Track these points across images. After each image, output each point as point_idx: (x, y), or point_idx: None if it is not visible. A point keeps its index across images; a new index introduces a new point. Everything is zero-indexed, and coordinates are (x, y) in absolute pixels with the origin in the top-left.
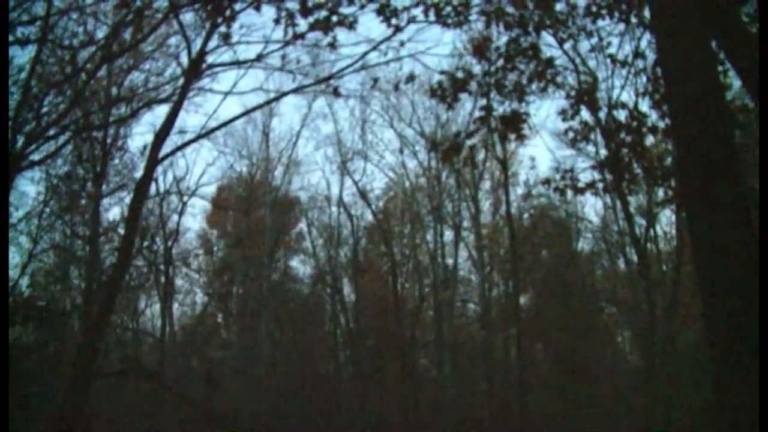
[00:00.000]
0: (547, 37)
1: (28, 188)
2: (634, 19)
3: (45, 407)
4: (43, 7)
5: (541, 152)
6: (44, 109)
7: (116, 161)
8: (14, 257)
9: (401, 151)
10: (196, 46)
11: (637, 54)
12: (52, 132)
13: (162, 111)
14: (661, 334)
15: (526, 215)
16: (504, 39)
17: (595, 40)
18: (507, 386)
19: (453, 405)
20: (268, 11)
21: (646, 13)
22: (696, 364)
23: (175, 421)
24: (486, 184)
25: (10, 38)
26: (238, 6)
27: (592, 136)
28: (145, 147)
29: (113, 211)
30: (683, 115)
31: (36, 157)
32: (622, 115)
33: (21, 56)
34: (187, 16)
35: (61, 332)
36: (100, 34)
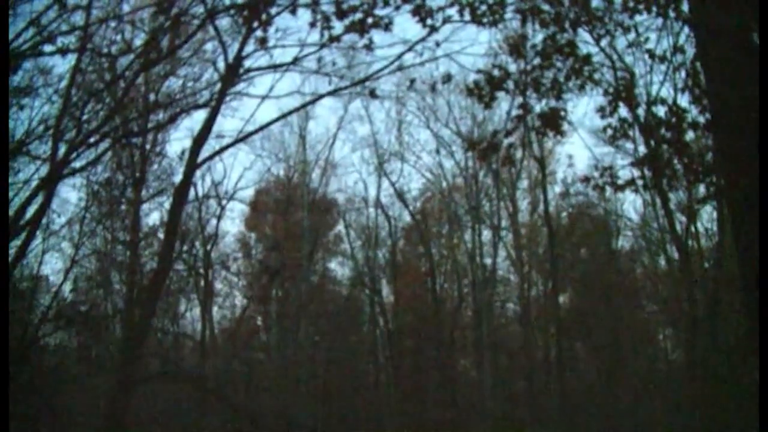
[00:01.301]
0: (583, 34)
1: (70, 195)
2: (672, 14)
3: (88, 411)
4: (82, 17)
5: (578, 150)
6: (85, 117)
7: (155, 167)
8: (57, 263)
9: (438, 152)
10: (233, 50)
11: (676, 49)
12: (92, 139)
13: (200, 116)
14: (703, 332)
15: (564, 214)
16: (540, 37)
17: (632, 35)
18: (547, 386)
19: (493, 405)
20: (304, 15)
21: (685, 7)
22: (738, 361)
23: (217, 424)
24: (524, 183)
25: (51, 48)
26: (273, 10)
27: (631, 133)
28: (183, 152)
29: (153, 216)
30: (724, 109)
31: (77, 164)
32: (661, 111)
33: (61, 65)
34: (224, 22)
35: (103, 336)
36: (138, 41)
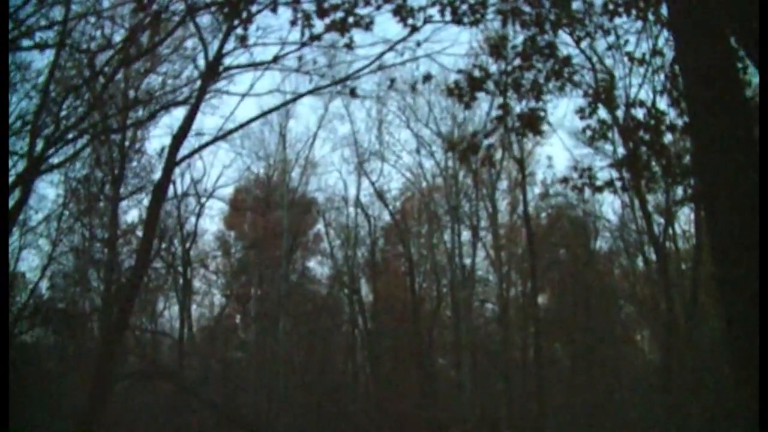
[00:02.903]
0: (564, 36)
1: (48, 191)
2: (651, 17)
3: (65, 409)
4: (61, 12)
5: (558, 151)
6: (63, 113)
7: (134, 164)
8: (34, 260)
9: (418, 152)
10: (213, 48)
11: (655, 52)
12: (70, 135)
13: (179, 113)
14: (680, 333)
15: (543, 215)
16: (521, 38)
17: (612, 38)
18: (525, 386)
19: (471, 405)
20: (285, 13)
21: (664, 10)
22: (715, 362)
23: (195, 422)
24: (503, 184)
25: (29, 43)
26: (254, 8)
27: (610, 135)
28: (162, 149)
29: (131, 214)
30: (702, 112)
31: (55, 160)
32: (640, 113)
33: (40, 60)
34: (204, 19)
35: (81, 334)
36: (118, 37)
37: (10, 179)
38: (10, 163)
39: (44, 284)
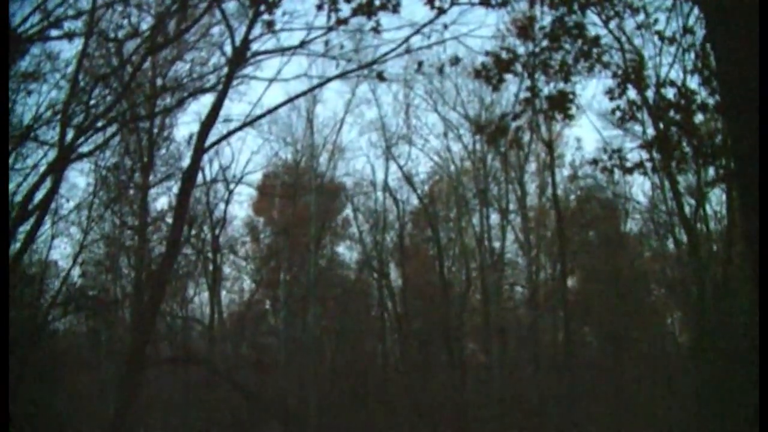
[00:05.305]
0: (592, 16)
1: (78, 180)
2: None
3: (98, 394)
4: (88, 2)
5: (586, 133)
6: (92, 102)
7: (163, 151)
8: (66, 248)
9: (446, 135)
10: (240, 34)
11: (686, 30)
12: (100, 124)
13: (207, 100)
14: (711, 316)
15: (572, 197)
16: (548, 19)
17: (641, 17)
18: (554, 369)
19: (500, 388)
20: None
21: None
22: (747, 345)
23: (226, 408)
24: (532, 166)
25: (58, 33)
26: None
27: (640, 116)
28: (191, 136)
29: (161, 201)
30: (734, 91)
31: (85, 149)
32: (670, 93)
33: (68, 50)
34: (230, 5)
35: (113, 321)
36: (145, 26)
37: (42, 169)
38: (41, 153)
39: (76, 272)
